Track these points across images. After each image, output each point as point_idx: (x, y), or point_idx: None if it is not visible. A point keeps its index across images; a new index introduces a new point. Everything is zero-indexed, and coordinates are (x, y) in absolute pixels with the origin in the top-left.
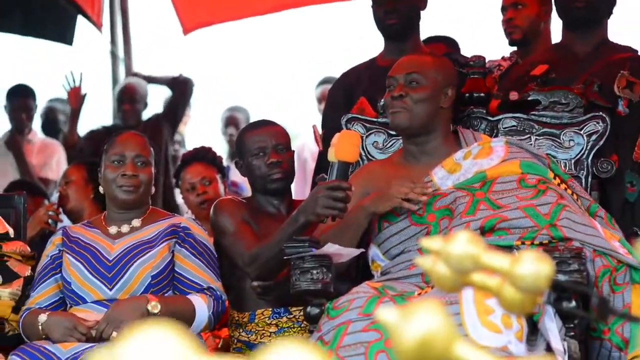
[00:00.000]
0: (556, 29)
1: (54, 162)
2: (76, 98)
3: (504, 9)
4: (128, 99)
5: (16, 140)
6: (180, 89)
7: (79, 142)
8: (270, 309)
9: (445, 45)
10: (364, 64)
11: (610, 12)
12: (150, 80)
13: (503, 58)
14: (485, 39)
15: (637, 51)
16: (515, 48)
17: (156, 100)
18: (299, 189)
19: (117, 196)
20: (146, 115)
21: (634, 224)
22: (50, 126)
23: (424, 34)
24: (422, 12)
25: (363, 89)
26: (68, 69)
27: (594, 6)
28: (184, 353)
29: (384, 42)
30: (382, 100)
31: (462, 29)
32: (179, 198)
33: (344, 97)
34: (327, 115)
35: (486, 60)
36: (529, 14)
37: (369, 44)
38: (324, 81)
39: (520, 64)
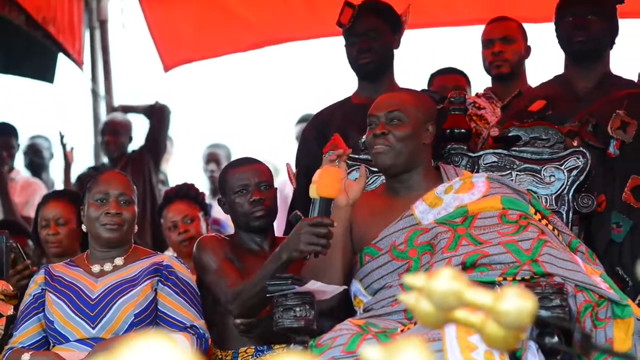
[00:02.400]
0: (559, 61)
1: (36, 201)
2: (69, 156)
3: (489, 42)
4: (111, 132)
5: (2, 177)
6: (158, 116)
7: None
8: (253, 347)
9: (464, 78)
10: (338, 103)
11: (613, 43)
12: (128, 109)
13: (477, 94)
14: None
15: (639, 87)
16: (490, 84)
17: (139, 133)
18: (281, 226)
19: (100, 234)
20: (130, 150)
21: (619, 264)
22: (35, 163)
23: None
24: (395, 52)
25: (336, 126)
26: (49, 107)
27: (595, 39)
28: None
29: (358, 81)
30: (364, 137)
31: (433, 66)
32: None
33: (317, 135)
34: (300, 154)
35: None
36: (517, 49)
37: (352, 81)
38: (303, 119)
39: (521, 98)
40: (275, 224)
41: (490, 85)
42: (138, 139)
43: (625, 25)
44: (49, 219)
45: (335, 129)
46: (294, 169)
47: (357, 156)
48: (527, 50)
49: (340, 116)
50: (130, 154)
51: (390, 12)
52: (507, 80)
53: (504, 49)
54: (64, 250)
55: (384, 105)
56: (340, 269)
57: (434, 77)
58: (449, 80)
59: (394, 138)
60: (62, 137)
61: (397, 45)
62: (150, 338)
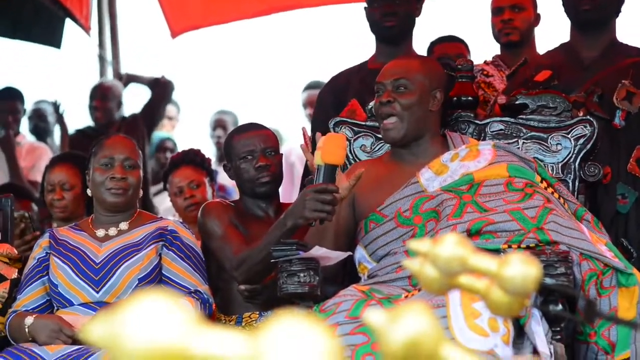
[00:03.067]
0: (564, 29)
1: (42, 165)
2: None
3: (498, 10)
4: (100, 96)
5: (10, 140)
6: (160, 90)
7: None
8: (258, 312)
9: (464, 46)
10: (355, 67)
11: (619, 11)
12: (132, 79)
13: (485, 62)
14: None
15: None
16: (499, 52)
17: (136, 100)
18: (287, 193)
19: (105, 199)
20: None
21: (625, 236)
22: (40, 128)
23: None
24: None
25: (354, 91)
26: (56, 73)
27: (601, 7)
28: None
29: (377, 45)
30: (371, 104)
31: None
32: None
33: (334, 100)
34: (316, 119)
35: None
36: (527, 17)
37: (356, 48)
38: (310, 86)
39: (526, 67)
40: (280, 190)
41: (492, 53)
42: (134, 106)
43: None
44: (55, 183)
45: (352, 95)
46: (309, 134)
47: (363, 123)
48: (537, 19)
49: (357, 81)
50: (121, 120)
51: None
52: (516, 48)
53: (514, 16)
54: (69, 215)
55: (390, 72)
56: (332, 240)
57: (434, 45)
58: (449, 48)
59: (400, 106)
60: (57, 105)
61: (418, 13)
62: (154, 298)
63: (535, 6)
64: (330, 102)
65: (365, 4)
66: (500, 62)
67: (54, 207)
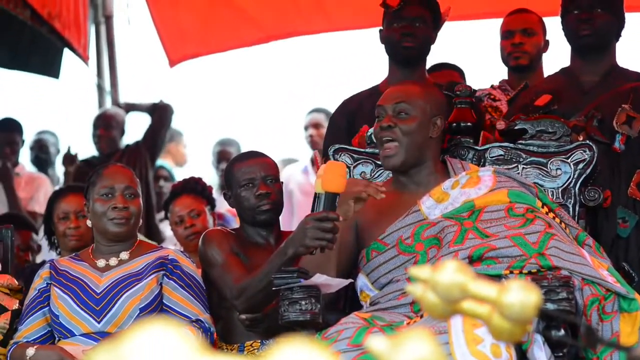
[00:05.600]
0: (565, 53)
1: (41, 196)
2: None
3: (509, 34)
4: (103, 125)
5: (7, 171)
6: (159, 115)
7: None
8: (259, 341)
9: (458, 73)
10: (366, 92)
11: (619, 36)
12: (131, 107)
13: (492, 86)
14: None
15: None
16: (506, 77)
17: (138, 128)
18: (285, 220)
19: (108, 229)
20: (126, 144)
21: (626, 260)
22: (40, 158)
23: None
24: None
25: (365, 116)
26: (55, 103)
27: (600, 32)
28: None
29: (390, 68)
30: (370, 130)
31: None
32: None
33: (346, 124)
34: (328, 142)
35: (475, 89)
36: (537, 42)
37: (359, 75)
38: (315, 110)
39: (527, 91)
40: (280, 218)
41: (498, 78)
42: (136, 134)
43: (631, 18)
44: (69, 212)
45: (364, 120)
46: (320, 157)
47: (363, 150)
48: (546, 45)
49: (369, 106)
50: (124, 149)
51: (437, 7)
52: (524, 72)
53: (525, 40)
54: (84, 244)
55: (391, 96)
56: (334, 269)
57: (427, 73)
58: (442, 76)
59: (400, 132)
60: (68, 150)
61: (434, 40)
62: (156, 327)
63: (545, 32)
64: (343, 126)
65: (380, 27)
66: (507, 87)
67: (68, 236)
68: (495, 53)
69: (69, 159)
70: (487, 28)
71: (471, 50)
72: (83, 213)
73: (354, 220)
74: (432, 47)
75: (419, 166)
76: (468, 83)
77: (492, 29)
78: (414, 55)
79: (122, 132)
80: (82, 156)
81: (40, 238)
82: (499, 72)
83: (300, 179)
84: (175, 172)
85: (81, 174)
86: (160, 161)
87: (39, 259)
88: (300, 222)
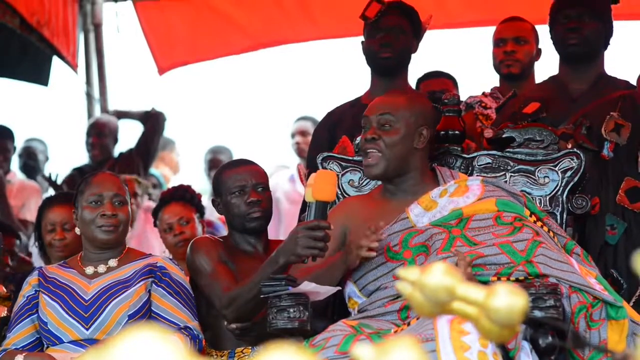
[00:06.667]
0: (553, 62)
1: (32, 204)
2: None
3: (501, 41)
4: (96, 133)
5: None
6: (152, 123)
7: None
8: (250, 347)
9: (451, 81)
10: (349, 103)
11: (607, 45)
12: (122, 115)
13: (484, 94)
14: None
15: (634, 86)
16: (497, 84)
17: (131, 136)
18: (272, 229)
19: (97, 236)
20: (119, 152)
21: (614, 267)
22: (29, 165)
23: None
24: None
25: (346, 127)
26: (44, 111)
27: (588, 41)
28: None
29: (372, 79)
30: (358, 139)
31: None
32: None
33: (328, 136)
34: (311, 155)
35: (461, 100)
36: (529, 50)
37: (346, 82)
38: (300, 117)
39: (515, 99)
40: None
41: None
42: (129, 142)
43: (620, 26)
44: (55, 223)
45: (344, 130)
46: (304, 170)
47: (350, 158)
48: (538, 53)
49: (351, 117)
50: (117, 157)
51: (416, 16)
52: (515, 80)
53: (517, 49)
54: (68, 254)
55: (376, 107)
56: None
57: (420, 81)
58: (436, 84)
59: (384, 144)
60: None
61: (415, 50)
62: (144, 334)
63: (537, 40)
64: (325, 138)
65: (362, 38)
66: (498, 94)
67: (54, 247)
68: (487, 61)
69: (51, 183)
70: (479, 36)
71: (463, 57)
72: (69, 225)
73: (345, 226)
74: (427, 54)
75: (403, 176)
76: (461, 91)
77: (484, 36)
78: (392, 65)
79: (115, 140)
80: (73, 164)
81: (31, 245)
82: (491, 80)
83: (287, 187)
84: (170, 180)
85: (74, 182)
86: (151, 169)
87: (36, 262)
88: (292, 231)
